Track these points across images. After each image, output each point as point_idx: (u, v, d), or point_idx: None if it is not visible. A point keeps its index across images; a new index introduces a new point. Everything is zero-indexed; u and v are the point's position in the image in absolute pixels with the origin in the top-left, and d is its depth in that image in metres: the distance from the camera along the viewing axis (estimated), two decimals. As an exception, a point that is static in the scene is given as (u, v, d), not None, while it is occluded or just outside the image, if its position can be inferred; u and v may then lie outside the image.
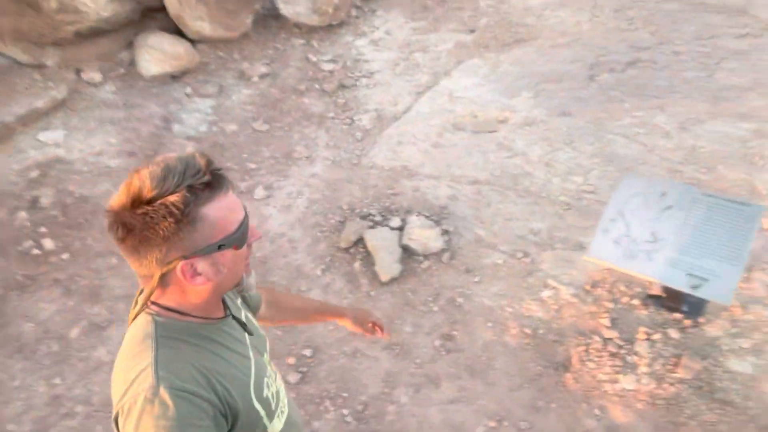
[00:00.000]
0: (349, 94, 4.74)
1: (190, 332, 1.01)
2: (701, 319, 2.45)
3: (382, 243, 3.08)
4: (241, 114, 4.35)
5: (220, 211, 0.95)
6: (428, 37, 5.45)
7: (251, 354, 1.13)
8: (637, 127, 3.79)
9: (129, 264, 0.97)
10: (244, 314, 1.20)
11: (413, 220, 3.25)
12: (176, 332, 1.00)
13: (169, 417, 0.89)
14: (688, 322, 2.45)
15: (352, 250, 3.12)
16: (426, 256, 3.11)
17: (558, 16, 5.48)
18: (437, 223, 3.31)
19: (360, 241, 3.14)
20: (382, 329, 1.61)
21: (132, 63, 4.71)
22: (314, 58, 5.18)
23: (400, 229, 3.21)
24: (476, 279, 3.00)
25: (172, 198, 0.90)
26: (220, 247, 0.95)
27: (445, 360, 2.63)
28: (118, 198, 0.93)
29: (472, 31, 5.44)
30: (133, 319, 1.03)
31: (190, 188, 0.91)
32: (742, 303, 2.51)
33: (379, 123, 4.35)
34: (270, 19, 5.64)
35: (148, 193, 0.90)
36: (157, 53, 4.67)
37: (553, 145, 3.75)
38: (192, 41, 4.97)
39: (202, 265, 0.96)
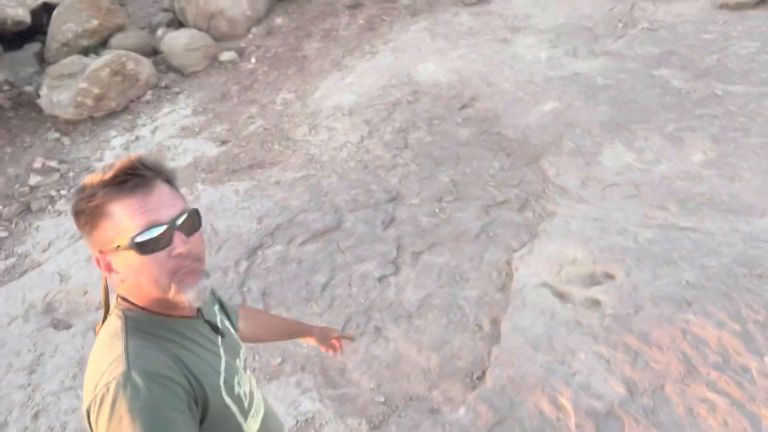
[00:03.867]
0: (25, 222, 3.97)
1: (159, 326, 0.98)
2: None
3: None
4: None
5: (126, 212, 0.91)
6: (181, 144, 4.47)
7: (222, 353, 1.07)
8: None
9: None
10: (219, 320, 1.16)
11: None
12: (146, 325, 0.97)
13: (142, 399, 0.85)
14: None
15: None
16: None
17: (334, 128, 4.23)
18: None
19: None
20: (340, 343, 1.61)
21: None
22: (38, 164, 4.46)
23: None
24: None
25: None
26: (117, 247, 0.92)
27: None
28: None
29: (225, 142, 4.38)
30: (105, 313, 1.01)
31: (99, 184, 0.91)
32: None
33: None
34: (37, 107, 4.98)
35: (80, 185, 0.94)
36: None
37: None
38: None
39: (115, 262, 0.94)
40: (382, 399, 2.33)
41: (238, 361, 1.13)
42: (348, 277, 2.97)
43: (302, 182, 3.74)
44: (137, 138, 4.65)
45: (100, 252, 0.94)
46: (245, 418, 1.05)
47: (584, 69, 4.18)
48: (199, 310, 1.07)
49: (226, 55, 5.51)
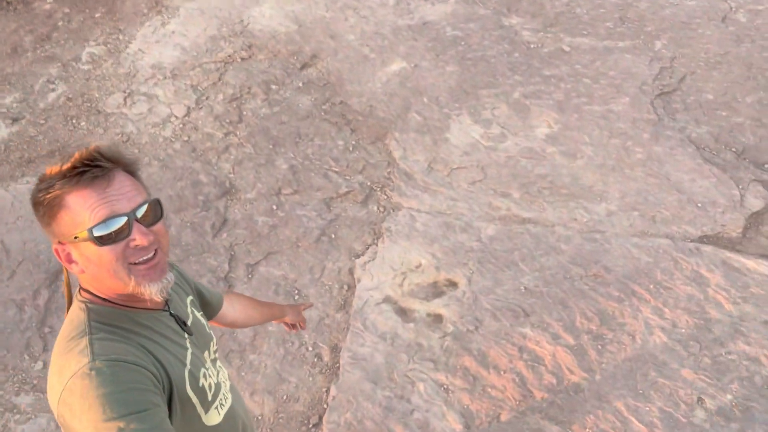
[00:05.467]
0: None
1: (122, 318, 0.96)
2: None
3: None
4: None
5: (83, 203, 0.89)
6: (-40, 122, 3.58)
7: (189, 344, 1.06)
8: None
9: None
10: (190, 311, 1.14)
11: None
12: (109, 317, 0.95)
13: (108, 383, 0.83)
14: None
15: None
16: None
17: (155, 96, 3.55)
18: None
19: None
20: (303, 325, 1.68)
21: None
22: None
23: None
24: None
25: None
26: (75, 238, 0.90)
27: None
28: None
29: (17, 119, 3.55)
30: (69, 306, 1.00)
31: (57, 175, 0.90)
32: None
33: None
34: None
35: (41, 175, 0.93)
36: None
37: None
38: None
39: (75, 253, 0.93)
40: (210, 466, 2.07)
41: (207, 353, 1.13)
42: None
43: (117, 174, 3.13)
44: None
45: (60, 243, 0.93)
46: (206, 410, 1.04)
47: (434, 16, 3.77)
48: (166, 302, 1.05)
49: (14, -9, 4.37)
